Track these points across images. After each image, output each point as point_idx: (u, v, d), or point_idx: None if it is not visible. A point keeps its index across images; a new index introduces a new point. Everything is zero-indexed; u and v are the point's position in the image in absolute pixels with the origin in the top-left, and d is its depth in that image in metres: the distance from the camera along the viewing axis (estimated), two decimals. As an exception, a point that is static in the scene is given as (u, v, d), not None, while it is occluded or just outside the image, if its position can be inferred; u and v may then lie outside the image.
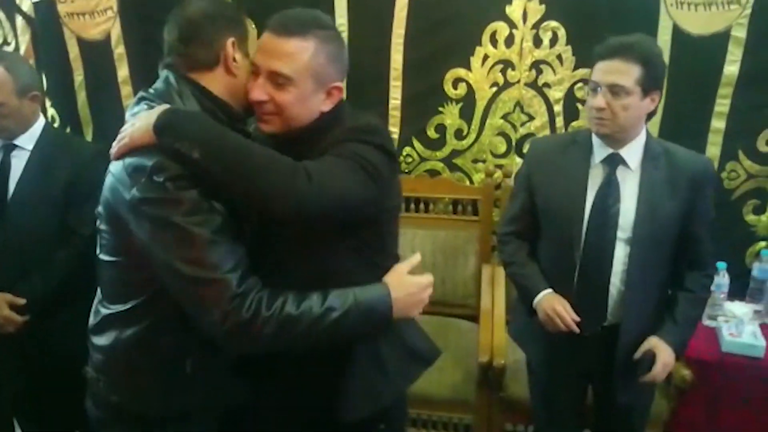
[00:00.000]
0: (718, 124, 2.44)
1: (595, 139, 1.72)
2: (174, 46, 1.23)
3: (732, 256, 2.47)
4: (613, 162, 1.69)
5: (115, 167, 1.18)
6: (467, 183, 2.71)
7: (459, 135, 2.67)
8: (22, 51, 2.72)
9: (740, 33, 2.34)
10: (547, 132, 2.58)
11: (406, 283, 1.27)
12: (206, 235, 1.09)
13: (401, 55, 2.60)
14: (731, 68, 2.37)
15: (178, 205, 1.09)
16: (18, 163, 1.97)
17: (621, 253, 1.67)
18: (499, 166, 2.66)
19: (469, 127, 2.65)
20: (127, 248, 1.19)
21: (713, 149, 2.46)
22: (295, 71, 1.19)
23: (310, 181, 1.11)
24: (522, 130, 2.59)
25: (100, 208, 1.24)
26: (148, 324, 1.23)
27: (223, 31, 1.22)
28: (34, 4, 2.77)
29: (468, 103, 2.62)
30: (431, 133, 2.68)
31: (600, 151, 1.70)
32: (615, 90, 1.58)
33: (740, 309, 2.21)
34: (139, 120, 1.15)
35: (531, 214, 1.82)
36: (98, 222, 1.26)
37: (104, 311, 1.28)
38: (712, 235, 1.87)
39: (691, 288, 1.74)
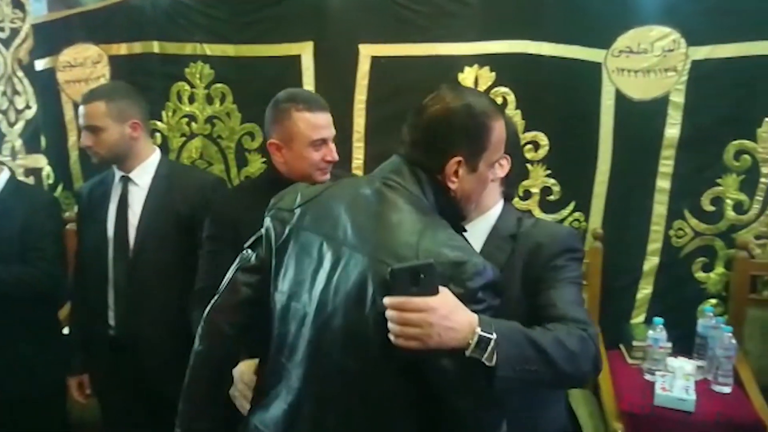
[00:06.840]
0: (663, 184, 2.53)
1: None
2: (410, 144, 1.23)
3: (683, 313, 2.52)
4: None
5: None
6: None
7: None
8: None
9: (678, 98, 2.46)
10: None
11: None
12: None
13: (363, 119, 2.72)
14: (672, 131, 2.48)
15: None
16: None
17: None
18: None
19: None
20: None
21: (660, 208, 2.55)
22: None
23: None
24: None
25: None
26: None
27: (454, 147, 1.20)
28: (38, 72, 3.05)
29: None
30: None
31: None
32: None
33: (683, 364, 2.22)
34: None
35: None
36: None
37: None
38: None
39: None
